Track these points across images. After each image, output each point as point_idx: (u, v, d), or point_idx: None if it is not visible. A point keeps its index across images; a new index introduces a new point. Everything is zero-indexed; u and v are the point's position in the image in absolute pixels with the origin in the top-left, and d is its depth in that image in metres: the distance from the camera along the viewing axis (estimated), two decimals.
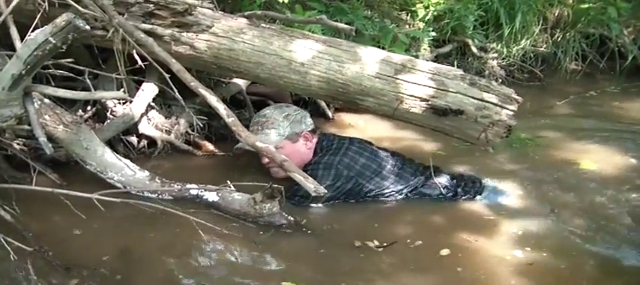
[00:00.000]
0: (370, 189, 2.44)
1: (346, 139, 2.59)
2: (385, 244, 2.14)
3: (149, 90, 2.68)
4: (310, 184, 1.99)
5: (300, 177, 2.01)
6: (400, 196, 2.47)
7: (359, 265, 2.03)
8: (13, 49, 2.09)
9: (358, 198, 2.44)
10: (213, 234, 2.05)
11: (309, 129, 2.57)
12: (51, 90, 2.10)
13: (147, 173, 2.34)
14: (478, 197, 2.53)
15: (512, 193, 2.58)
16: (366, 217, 2.37)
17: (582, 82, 4.46)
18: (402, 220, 2.35)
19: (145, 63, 2.33)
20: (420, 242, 2.17)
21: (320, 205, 2.38)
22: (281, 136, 2.49)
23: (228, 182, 2.11)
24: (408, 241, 2.19)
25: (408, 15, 4.01)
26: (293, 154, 2.44)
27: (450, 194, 2.51)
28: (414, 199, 2.48)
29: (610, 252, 2.21)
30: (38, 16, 2.17)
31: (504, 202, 2.52)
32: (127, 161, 2.35)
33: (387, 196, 2.46)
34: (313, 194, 2.01)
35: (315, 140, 2.57)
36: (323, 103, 3.29)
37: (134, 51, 2.30)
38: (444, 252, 2.11)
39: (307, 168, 2.41)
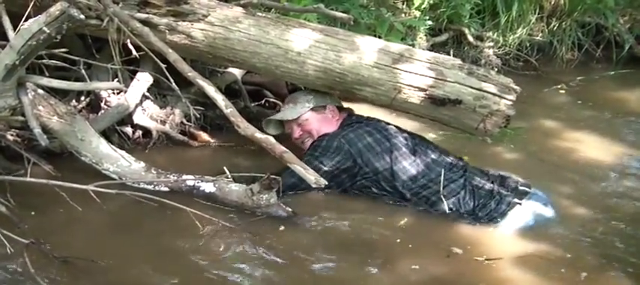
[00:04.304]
0: (366, 173, 2.31)
1: (371, 119, 2.51)
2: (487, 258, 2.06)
3: (144, 80, 2.65)
4: (310, 176, 1.98)
5: (300, 168, 1.99)
6: (398, 197, 2.32)
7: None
8: (5, 38, 2.06)
9: (355, 182, 2.34)
10: (210, 225, 2.03)
11: (336, 104, 2.57)
12: (45, 80, 2.08)
13: (142, 164, 2.32)
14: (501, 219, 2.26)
15: None
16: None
17: (578, 71, 4.45)
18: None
19: (140, 53, 2.30)
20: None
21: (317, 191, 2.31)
22: (306, 108, 2.51)
23: (226, 169, 2.10)
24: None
25: (403, 3, 3.99)
26: (319, 123, 2.50)
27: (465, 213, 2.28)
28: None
29: (610, 241, 2.21)
30: (31, 5, 2.14)
31: None
32: (122, 152, 2.33)
33: (386, 194, 2.33)
34: (313, 186, 2.00)
35: (342, 115, 2.54)
36: None
37: (129, 41, 2.27)
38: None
39: (319, 136, 2.43)
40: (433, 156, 2.38)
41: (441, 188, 2.28)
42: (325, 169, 2.30)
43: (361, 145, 2.35)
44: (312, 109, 2.52)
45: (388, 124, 2.49)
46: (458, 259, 2.05)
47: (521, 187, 2.34)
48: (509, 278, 1.98)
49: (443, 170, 2.32)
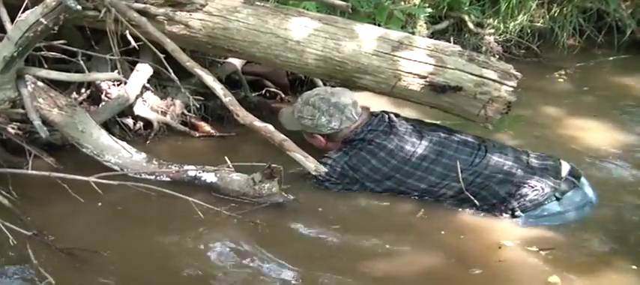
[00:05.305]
0: (380, 192, 2.29)
1: (374, 131, 2.31)
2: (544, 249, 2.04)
3: (144, 71, 2.65)
4: (310, 164, 1.98)
5: (300, 156, 2.00)
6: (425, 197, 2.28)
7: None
8: (3, 31, 2.05)
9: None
10: (212, 214, 2.03)
11: (327, 132, 2.36)
12: (44, 72, 2.07)
13: (144, 155, 2.32)
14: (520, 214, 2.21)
15: None
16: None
17: (580, 57, 4.42)
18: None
19: (139, 43, 2.30)
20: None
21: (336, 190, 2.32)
22: (297, 127, 2.43)
23: (227, 159, 2.10)
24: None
25: None
26: (315, 143, 2.42)
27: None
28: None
29: (615, 229, 2.20)
30: None
31: None
32: (124, 143, 2.33)
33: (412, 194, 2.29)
34: (314, 173, 2.00)
35: (334, 143, 2.38)
36: (319, 82, 3.26)
37: (127, 31, 2.27)
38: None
39: (321, 159, 2.33)
40: (449, 152, 2.26)
41: (463, 185, 2.20)
42: (333, 190, 2.30)
43: (366, 169, 2.28)
44: (305, 133, 2.44)
45: (394, 127, 2.32)
46: (510, 250, 2.03)
47: (568, 177, 2.26)
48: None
49: (460, 166, 2.23)
